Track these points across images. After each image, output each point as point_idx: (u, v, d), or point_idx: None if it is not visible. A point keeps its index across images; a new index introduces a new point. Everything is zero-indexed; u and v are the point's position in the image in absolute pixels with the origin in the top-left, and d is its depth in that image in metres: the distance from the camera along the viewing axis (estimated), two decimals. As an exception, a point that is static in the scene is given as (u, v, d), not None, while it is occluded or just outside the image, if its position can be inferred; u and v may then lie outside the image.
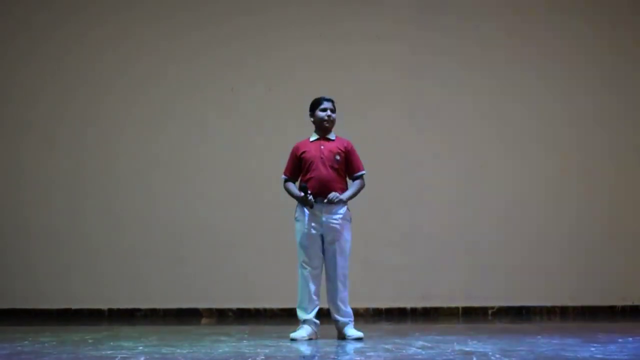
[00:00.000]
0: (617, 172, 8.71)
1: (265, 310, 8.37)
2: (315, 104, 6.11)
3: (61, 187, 8.44)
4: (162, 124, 8.54)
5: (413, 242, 8.49)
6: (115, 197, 8.45)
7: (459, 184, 8.61)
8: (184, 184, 8.48)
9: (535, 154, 8.69)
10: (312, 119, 6.12)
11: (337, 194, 5.89)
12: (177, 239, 8.40)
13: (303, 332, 5.89)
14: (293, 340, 5.82)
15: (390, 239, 8.41)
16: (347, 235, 5.98)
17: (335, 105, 6.12)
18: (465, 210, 8.58)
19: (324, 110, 6.06)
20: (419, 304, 8.48)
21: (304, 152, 6.02)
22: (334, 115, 6.07)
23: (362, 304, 8.16)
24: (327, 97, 6.13)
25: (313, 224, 5.93)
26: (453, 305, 8.48)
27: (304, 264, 5.94)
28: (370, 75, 8.59)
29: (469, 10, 8.74)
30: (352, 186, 6.06)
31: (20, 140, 8.50)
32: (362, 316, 8.12)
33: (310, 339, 5.86)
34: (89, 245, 8.38)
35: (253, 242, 8.41)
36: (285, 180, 6.11)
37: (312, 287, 5.93)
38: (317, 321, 5.98)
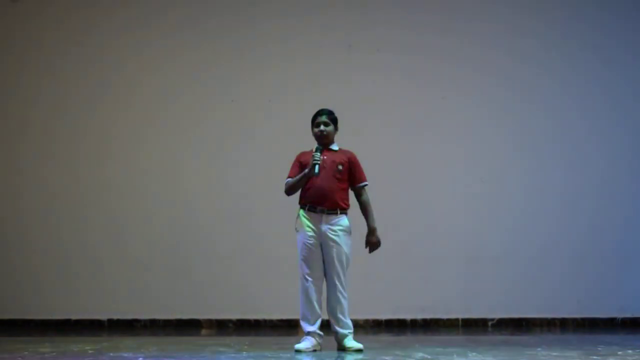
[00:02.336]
0: (618, 184, 8.71)
1: (265, 321, 8.36)
2: (312, 120, 6.15)
3: (61, 197, 8.44)
4: (161, 136, 8.55)
5: (413, 253, 8.49)
6: (115, 208, 8.45)
7: (459, 196, 8.61)
8: (184, 195, 8.48)
9: (535, 168, 8.69)
10: (313, 135, 6.16)
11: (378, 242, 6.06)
12: (177, 250, 8.40)
13: (307, 343, 5.88)
14: (298, 351, 5.81)
15: (390, 250, 8.38)
16: (345, 246, 5.97)
17: (334, 115, 6.13)
18: (466, 222, 8.58)
19: (318, 125, 6.10)
20: (419, 316, 8.47)
21: (307, 161, 6.02)
22: (328, 128, 6.07)
23: (362, 316, 8.16)
24: (322, 110, 6.15)
25: (313, 234, 5.94)
26: (453, 316, 8.48)
27: (306, 276, 5.93)
28: (370, 86, 8.61)
29: (472, 16, 8.77)
30: (366, 210, 6.08)
31: (17, 148, 8.50)
32: (362, 327, 8.11)
33: (314, 351, 5.86)
34: (89, 256, 8.38)
35: (253, 253, 8.41)
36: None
37: (315, 299, 5.92)
38: (321, 333, 5.97)
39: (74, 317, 8.32)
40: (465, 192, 8.62)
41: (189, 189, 8.50)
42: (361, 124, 8.21)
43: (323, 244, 5.95)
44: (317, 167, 5.88)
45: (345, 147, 6.16)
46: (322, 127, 6.07)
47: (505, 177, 8.68)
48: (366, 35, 8.71)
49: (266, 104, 8.60)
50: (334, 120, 6.13)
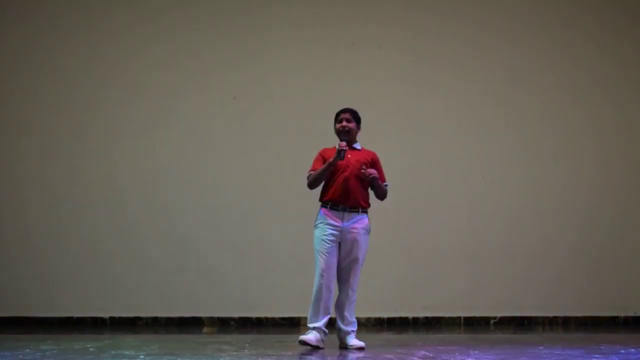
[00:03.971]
0: (620, 183, 8.71)
1: (267, 319, 8.36)
2: (335, 117, 6.17)
3: (63, 195, 8.42)
4: (163, 133, 8.54)
5: (415, 252, 8.48)
6: (116, 205, 8.44)
7: (460, 194, 8.60)
8: (185, 192, 8.47)
9: (537, 165, 8.68)
10: (335, 132, 6.17)
11: (373, 171, 5.93)
12: (179, 248, 8.39)
13: (312, 336, 5.87)
14: (302, 342, 5.80)
15: (392, 249, 8.41)
16: (365, 246, 6.00)
17: (357, 114, 6.17)
18: (467, 221, 8.57)
19: (340, 121, 6.12)
20: (421, 314, 8.46)
21: (331, 157, 6.00)
22: (350, 124, 6.10)
23: (364, 314, 8.16)
24: (346, 108, 6.18)
25: (333, 231, 5.94)
26: (455, 315, 8.47)
27: (323, 273, 5.91)
28: (371, 84, 8.60)
29: (474, 15, 8.76)
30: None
31: (19, 146, 8.48)
32: (364, 326, 8.11)
33: (317, 347, 5.85)
34: (91, 254, 8.37)
35: (255, 251, 8.40)
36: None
37: (327, 296, 5.92)
38: (326, 330, 5.97)
39: (75, 314, 8.32)
40: (467, 190, 8.61)
41: (190, 186, 8.48)
42: (363, 121, 8.16)
43: (342, 242, 5.95)
44: (342, 152, 5.90)
45: (367, 148, 6.17)
46: (344, 123, 6.09)
47: (508, 175, 8.66)
48: (369, 32, 8.70)
49: (268, 102, 8.59)
50: (356, 119, 6.16)
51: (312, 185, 6.09)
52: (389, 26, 8.72)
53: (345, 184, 5.96)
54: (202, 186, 8.49)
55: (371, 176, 5.94)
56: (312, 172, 6.07)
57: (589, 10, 8.90)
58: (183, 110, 8.57)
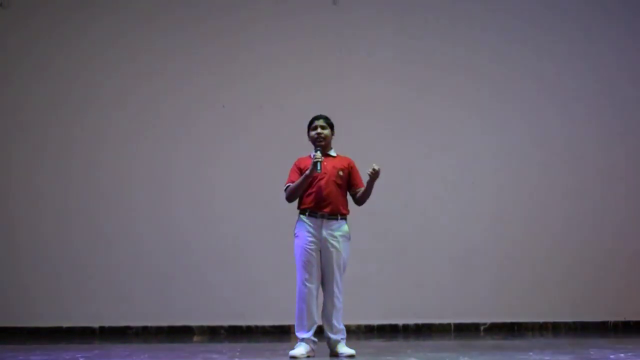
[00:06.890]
0: (609, 188, 8.74)
1: (257, 327, 8.35)
2: (308, 125, 6.14)
3: (51, 205, 8.40)
4: (151, 142, 8.53)
5: (405, 258, 8.49)
6: (105, 215, 8.42)
7: (450, 201, 8.62)
8: (175, 202, 8.46)
9: (526, 170, 8.71)
10: (309, 140, 6.14)
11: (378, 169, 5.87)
12: (168, 257, 8.37)
13: (302, 349, 5.86)
14: (293, 358, 5.78)
15: (382, 255, 8.42)
16: (345, 252, 5.97)
17: (330, 121, 6.13)
18: (458, 227, 8.58)
19: (315, 128, 6.09)
20: (411, 321, 8.47)
21: (307, 166, 5.99)
22: (325, 131, 6.08)
23: (354, 321, 8.15)
24: (319, 115, 6.15)
25: (313, 239, 5.92)
26: (445, 321, 8.48)
27: (305, 282, 5.90)
28: (361, 90, 8.61)
29: (461, 21, 8.79)
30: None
31: (7, 157, 8.47)
32: (354, 333, 8.10)
33: (308, 357, 5.84)
34: (80, 263, 8.34)
35: (245, 260, 8.39)
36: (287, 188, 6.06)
37: (312, 305, 5.90)
38: (315, 339, 5.95)
39: (65, 324, 8.29)
40: (457, 196, 8.63)
41: (179, 195, 8.48)
42: (351, 128, 8.18)
43: (323, 250, 5.93)
44: (318, 164, 5.87)
45: (342, 153, 6.15)
46: (319, 130, 6.06)
47: (497, 181, 8.68)
48: (357, 40, 8.72)
49: (257, 109, 8.59)
50: (330, 125, 6.13)
51: (290, 198, 6.06)
52: (378, 34, 8.73)
53: (323, 192, 5.93)
54: (190, 195, 8.48)
55: (378, 169, 5.84)
56: (289, 184, 6.05)
57: (576, 22, 8.94)
58: (171, 119, 8.55)
